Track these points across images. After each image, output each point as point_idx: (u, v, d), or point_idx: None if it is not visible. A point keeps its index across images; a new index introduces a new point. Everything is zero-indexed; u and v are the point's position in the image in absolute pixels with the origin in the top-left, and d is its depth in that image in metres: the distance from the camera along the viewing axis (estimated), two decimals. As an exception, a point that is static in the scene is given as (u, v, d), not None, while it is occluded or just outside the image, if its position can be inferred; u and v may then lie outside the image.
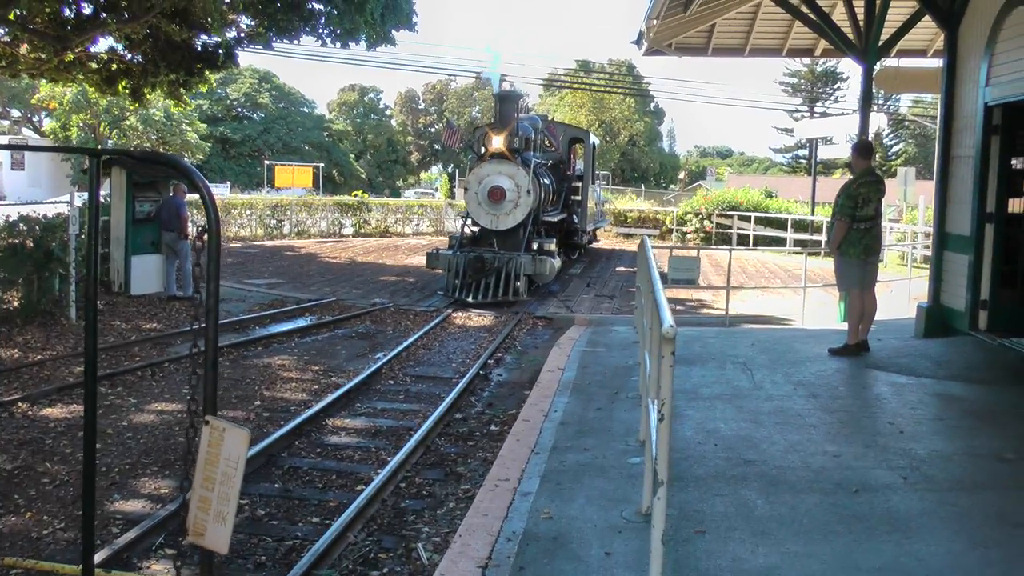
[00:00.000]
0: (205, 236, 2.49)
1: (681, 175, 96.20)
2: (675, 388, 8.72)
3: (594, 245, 33.21)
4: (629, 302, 18.51)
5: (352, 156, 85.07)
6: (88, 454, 1.85)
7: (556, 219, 22.12)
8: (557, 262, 19.52)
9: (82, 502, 1.88)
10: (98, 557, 5.64)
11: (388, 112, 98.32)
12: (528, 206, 19.26)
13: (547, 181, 22.05)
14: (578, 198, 25.15)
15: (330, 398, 10.03)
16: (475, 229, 20.33)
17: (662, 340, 4.06)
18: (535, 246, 19.46)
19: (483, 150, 19.98)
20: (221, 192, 54.03)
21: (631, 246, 34.10)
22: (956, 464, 6.70)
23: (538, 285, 19.73)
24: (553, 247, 19.85)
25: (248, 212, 34.20)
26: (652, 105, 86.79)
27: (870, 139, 15.11)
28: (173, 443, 8.38)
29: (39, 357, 11.60)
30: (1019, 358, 8.69)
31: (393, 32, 20.86)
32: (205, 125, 64.02)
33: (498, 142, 19.45)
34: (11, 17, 16.89)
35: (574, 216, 24.76)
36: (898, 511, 5.67)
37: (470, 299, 17.99)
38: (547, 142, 25.16)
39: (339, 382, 11.11)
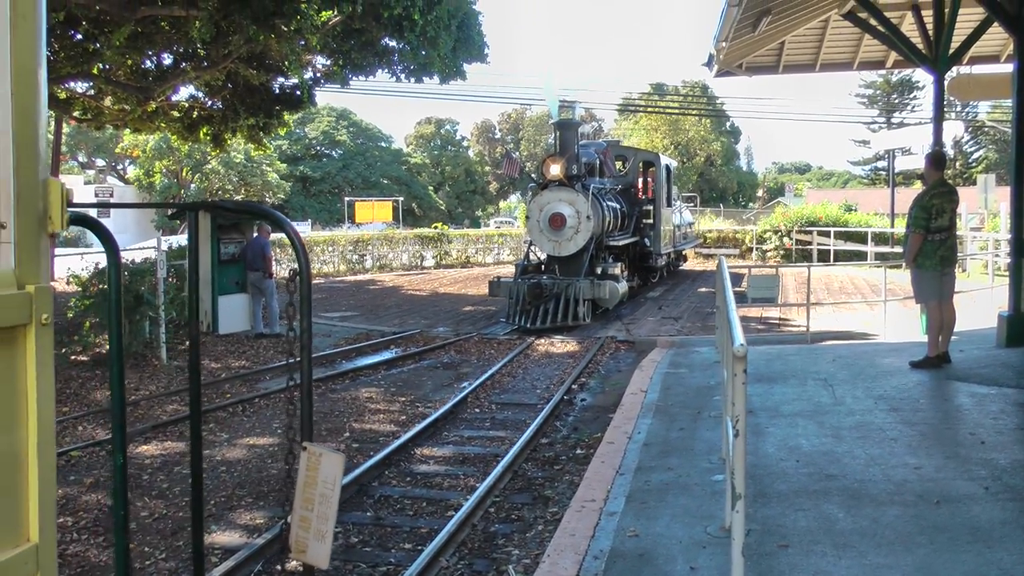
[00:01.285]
0: (297, 279, 2.72)
1: (760, 192, 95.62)
2: (757, 406, 8.86)
3: (684, 267, 33.24)
4: (699, 322, 18.57)
5: (431, 188, 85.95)
6: (196, 487, 2.06)
7: (624, 243, 22.20)
8: (622, 286, 19.64)
9: (191, 531, 2.09)
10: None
11: (465, 143, 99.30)
12: (589, 231, 19.45)
13: (614, 205, 22.21)
14: (650, 221, 25.18)
15: (417, 428, 10.24)
16: (541, 256, 20.55)
17: (734, 358, 4.21)
18: (598, 270, 19.61)
19: (543, 178, 20.22)
20: (303, 230, 54.94)
21: (732, 263, 34.02)
22: (1039, 472, 6.71)
23: (605, 309, 19.84)
24: (617, 271, 20.00)
25: (330, 248, 34.80)
26: (728, 124, 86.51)
27: (948, 147, 15.03)
28: (266, 475, 8.66)
29: (133, 397, 11.96)
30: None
31: (465, 65, 21.22)
32: (285, 165, 65.27)
33: (556, 170, 19.72)
34: (95, 71, 17.54)
35: (646, 239, 24.79)
36: (980, 521, 5.72)
37: (529, 325, 18.26)
38: (618, 167, 25.33)
39: (426, 412, 11.33)
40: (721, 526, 5.75)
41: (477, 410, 11.66)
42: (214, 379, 13.35)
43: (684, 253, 33.76)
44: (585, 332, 17.82)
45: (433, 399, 12.21)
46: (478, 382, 12.97)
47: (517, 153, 70.19)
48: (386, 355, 15.74)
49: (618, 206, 22.71)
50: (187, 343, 15.31)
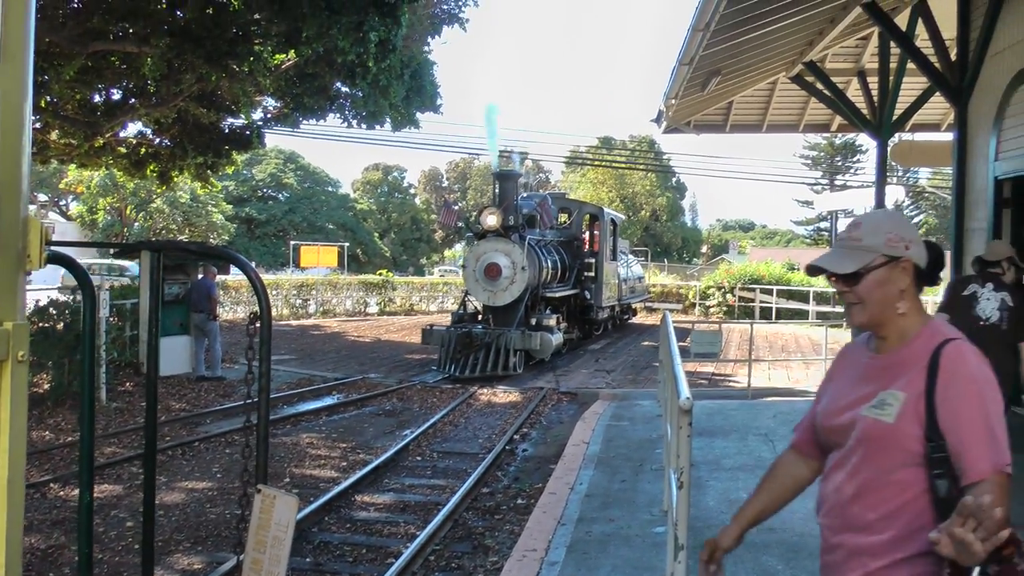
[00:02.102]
0: (258, 323, 2.73)
1: (704, 249, 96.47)
2: (698, 459, 8.92)
3: (634, 320, 33.39)
4: (631, 375, 18.71)
5: (376, 235, 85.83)
6: (147, 530, 2.03)
7: (562, 294, 22.36)
8: (556, 337, 19.78)
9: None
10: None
11: (412, 191, 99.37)
12: (524, 282, 19.59)
13: (554, 257, 22.42)
14: (591, 274, 25.36)
15: (358, 475, 10.19)
16: (478, 305, 20.77)
17: (679, 411, 4.27)
18: (533, 321, 19.77)
19: (480, 228, 20.39)
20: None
21: (675, 318, 34.27)
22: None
23: (541, 360, 19.96)
24: (553, 322, 20.13)
25: (274, 292, 34.57)
26: (674, 180, 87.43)
27: (888, 212, 15.33)
28: (204, 520, 8.57)
29: (70, 439, 11.78)
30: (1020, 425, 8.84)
31: (417, 113, 21.34)
32: (231, 206, 64.94)
33: (492, 220, 19.89)
34: (42, 104, 17.39)
35: (586, 292, 24.93)
36: (916, 576, 5.81)
37: (459, 373, 18.37)
38: (562, 219, 25.57)
39: (367, 459, 11.28)
40: (662, 578, 5.80)
41: (419, 458, 11.63)
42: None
43: (634, 307, 33.92)
44: (516, 382, 17.89)
45: (374, 446, 12.16)
46: (420, 430, 12.94)
47: (459, 205, 70.41)
48: (328, 401, 15.67)
49: (558, 258, 22.87)
50: (127, 384, 15.08)
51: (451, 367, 18.69)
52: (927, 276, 2.65)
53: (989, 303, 7.32)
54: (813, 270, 2.71)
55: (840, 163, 76.88)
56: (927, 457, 2.42)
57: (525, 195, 23.67)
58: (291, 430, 13.14)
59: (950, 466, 2.39)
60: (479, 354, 18.70)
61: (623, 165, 75.43)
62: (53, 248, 1.77)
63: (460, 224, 24.03)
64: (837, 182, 67.15)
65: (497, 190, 21.18)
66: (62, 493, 9.47)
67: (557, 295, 21.94)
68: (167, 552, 7.74)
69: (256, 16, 15.43)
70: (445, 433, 13.26)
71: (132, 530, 8.19)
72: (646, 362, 21.13)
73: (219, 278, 19.97)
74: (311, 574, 7.31)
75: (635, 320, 34.00)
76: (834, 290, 2.56)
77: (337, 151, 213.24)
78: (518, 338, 18.81)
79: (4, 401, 1.35)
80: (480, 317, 20.76)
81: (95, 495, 8.82)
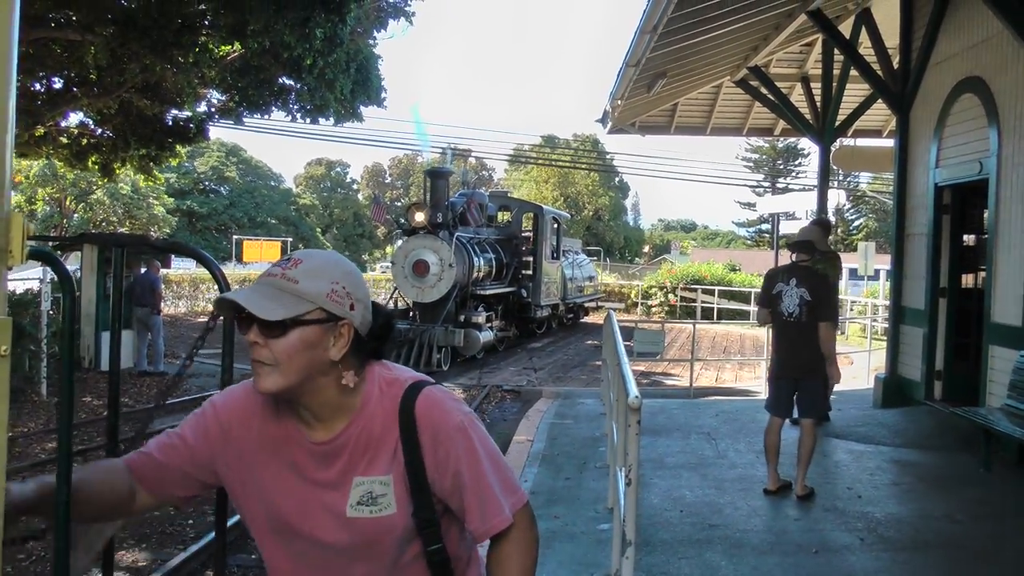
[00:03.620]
0: (221, 319, 2.72)
1: (646, 248, 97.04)
2: (642, 457, 8.98)
3: (586, 320, 33.44)
4: (558, 374, 18.84)
5: (319, 230, 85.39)
6: (61, 528, 2.02)
7: (494, 292, 22.50)
8: (484, 335, 20.00)
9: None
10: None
11: (355, 186, 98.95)
12: (452, 279, 19.78)
13: (489, 255, 22.56)
14: (529, 272, 25.49)
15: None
16: (409, 302, 20.84)
17: (628, 410, 4.34)
18: (461, 318, 19.85)
19: (408, 225, 20.49)
20: (188, 267, 54.07)
21: (618, 317, 34.30)
22: (910, 525, 7.01)
23: (473, 356, 20.11)
24: (481, 320, 20.32)
25: (216, 287, 34.28)
26: (617, 180, 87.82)
27: (831, 215, 15.59)
28: (149, 517, 8.50)
29: (10, 434, 11.57)
30: (971, 426, 9.04)
31: (362, 108, 21.26)
32: (172, 199, 64.14)
33: (420, 217, 20.07)
34: (-22, 91, 17.06)
35: (523, 290, 25.00)
36: (855, 570, 5.96)
37: None
38: (503, 218, 25.69)
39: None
40: (606, 574, 5.86)
41: (363, 453, 11.60)
42: (94, 417, 13.05)
43: (585, 306, 33.97)
44: (439, 378, 17.84)
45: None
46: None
47: (387, 202, 70.35)
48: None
49: (494, 256, 22.95)
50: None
51: None
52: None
53: (791, 299, 7.70)
54: (223, 304, 2.06)
55: (782, 166, 77.69)
56: (420, 530, 2.12)
57: (461, 192, 23.73)
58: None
59: (440, 528, 2.16)
60: (402, 350, 18.75)
61: (567, 164, 75.67)
62: (34, 244, 1.78)
63: (390, 220, 23.98)
64: (779, 185, 67.88)
65: (429, 187, 21.26)
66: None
67: (489, 292, 21.99)
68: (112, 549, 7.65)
69: (202, 7, 15.31)
70: (389, 429, 13.22)
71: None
72: (580, 361, 21.27)
73: (162, 272, 19.79)
74: (257, 570, 7.29)
75: (588, 320, 34.00)
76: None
77: (280, 145, 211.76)
78: (441, 335, 18.93)
79: (-14, 395, 1.36)
80: (410, 314, 20.81)
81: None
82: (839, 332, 19.25)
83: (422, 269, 19.74)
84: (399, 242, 21.98)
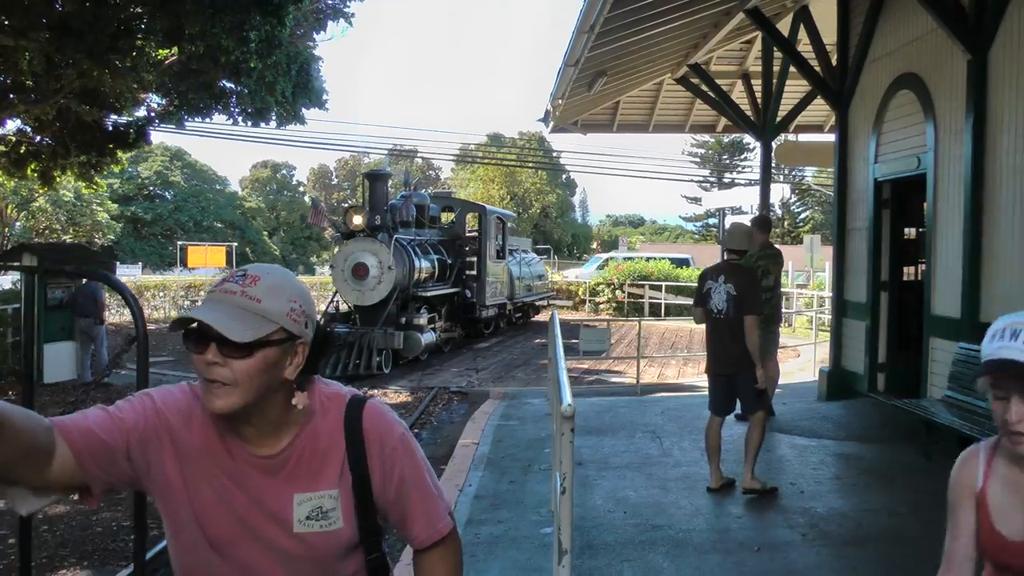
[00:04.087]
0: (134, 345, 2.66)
1: (594, 245, 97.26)
2: (587, 457, 9.03)
3: (538, 318, 33.28)
4: (501, 373, 18.84)
5: (265, 233, 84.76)
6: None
7: (436, 293, 22.43)
8: (426, 336, 19.94)
9: None
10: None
11: (301, 188, 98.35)
12: (392, 281, 19.69)
13: (432, 256, 22.54)
14: (473, 273, 25.45)
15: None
16: (350, 305, 20.81)
17: (562, 418, 4.31)
18: (403, 321, 19.83)
19: (346, 228, 20.43)
20: (132, 273, 53.41)
21: (565, 316, 34.18)
22: (851, 520, 7.07)
23: (410, 359, 20.00)
24: (423, 322, 20.26)
25: (161, 294, 34.02)
26: (563, 177, 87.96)
27: (776, 208, 15.70)
28: (91, 533, 8.37)
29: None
30: (913, 418, 9.14)
31: (304, 110, 21.13)
32: (116, 205, 63.42)
33: (358, 220, 19.96)
34: (-91, 98, 16.79)
35: (467, 291, 24.99)
36: (796, 566, 6.00)
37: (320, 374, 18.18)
38: (447, 218, 25.65)
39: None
40: (550, 579, 5.85)
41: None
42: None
43: (536, 304, 33.88)
44: (383, 381, 17.90)
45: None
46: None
47: (323, 203, 70.26)
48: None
49: (436, 257, 22.91)
50: (9, 393, 14.63)
51: None
52: (311, 364, 2.16)
53: (720, 296, 7.78)
54: (183, 321, 2.01)
55: (728, 160, 78.19)
56: (364, 540, 2.17)
57: (402, 194, 23.69)
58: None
59: (381, 537, 2.21)
60: (342, 354, 18.69)
61: (513, 164, 75.69)
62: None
63: (329, 224, 23.90)
64: (725, 179, 68.29)
65: (367, 190, 21.18)
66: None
67: (432, 294, 21.94)
68: (52, 568, 7.52)
69: (138, 10, 15.13)
70: (336, 435, 13.13)
71: (14, 548, 7.96)
72: (524, 360, 21.26)
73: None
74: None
75: (539, 318, 33.80)
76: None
77: (225, 148, 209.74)
78: (380, 337, 18.83)
79: None
80: (351, 317, 20.74)
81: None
82: (786, 325, 19.47)
83: (361, 272, 19.65)
84: (337, 247, 21.86)
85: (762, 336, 10.61)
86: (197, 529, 2.09)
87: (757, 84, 15.25)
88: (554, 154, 73.38)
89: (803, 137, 19.44)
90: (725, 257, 8.29)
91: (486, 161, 75.18)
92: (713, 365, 8.07)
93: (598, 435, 10.35)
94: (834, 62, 12.88)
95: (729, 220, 37.75)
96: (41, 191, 38.99)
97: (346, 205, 22.33)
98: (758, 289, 8.14)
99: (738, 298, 7.67)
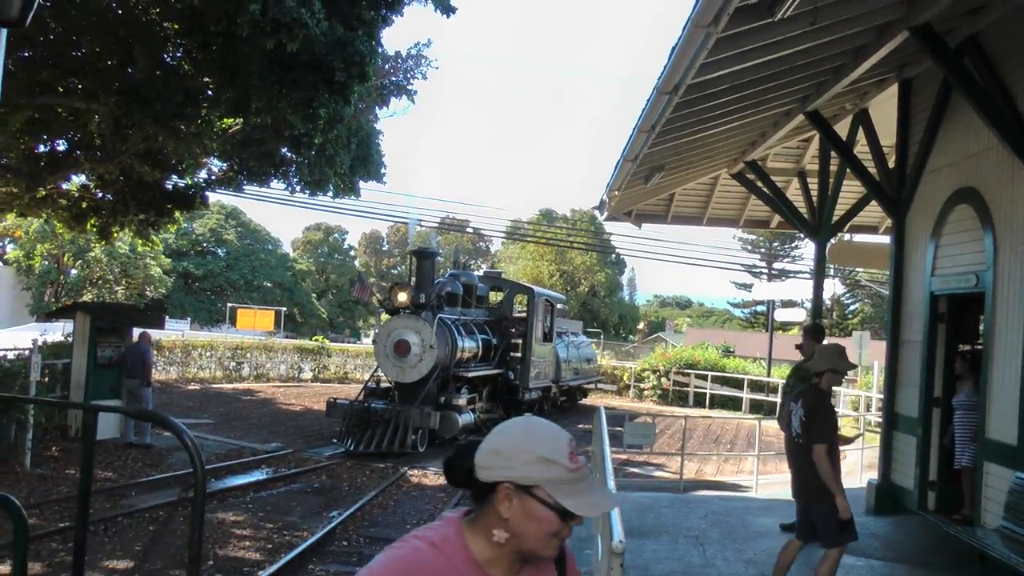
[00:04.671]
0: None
1: (640, 325, 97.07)
2: (628, 563, 8.83)
3: (585, 401, 33.05)
4: None
5: (314, 295, 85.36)
6: None
7: (478, 374, 22.35)
8: (464, 417, 19.81)
9: None
10: None
11: (352, 252, 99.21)
12: (433, 360, 19.69)
13: (476, 336, 22.61)
14: (518, 354, 25.37)
15: (283, 560, 10.00)
16: (391, 380, 20.80)
17: (611, 554, 4.23)
18: (442, 400, 19.78)
19: (391, 304, 20.52)
20: (181, 328, 53.89)
21: (610, 401, 33.92)
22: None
23: (447, 439, 19.85)
24: (462, 402, 20.17)
25: (208, 354, 34.22)
26: (613, 256, 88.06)
27: (827, 301, 15.55)
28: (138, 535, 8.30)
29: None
30: (965, 544, 8.87)
31: (360, 182, 21.35)
32: (169, 259, 64.22)
33: (403, 297, 20.08)
34: (-15, 152, 17.15)
35: (510, 372, 24.93)
36: None
37: (353, 449, 18.39)
38: (495, 298, 25.71)
39: (294, 541, 11.08)
40: None
41: (345, 543, 11.45)
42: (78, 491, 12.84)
43: (584, 388, 33.64)
44: (417, 461, 17.85)
45: (302, 527, 11.96)
46: (348, 512, 12.75)
47: (369, 280, 70.81)
48: (257, 475, 15.43)
49: (482, 337, 22.90)
50: (53, 449, 14.70)
51: (348, 442, 18.67)
52: None
53: (796, 418, 7.61)
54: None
55: (779, 248, 77.91)
56: None
57: (451, 272, 23.77)
58: (217, 507, 12.86)
59: None
60: (377, 430, 18.62)
61: (564, 243, 75.89)
62: None
63: (372, 299, 24.05)
64: (775, 267, 68.02)
65: (414, 267, 21.28)
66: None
67: (473, 374, 21.88)
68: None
69: (206, 80, 15.40)
70: (373, 517, 13.08)
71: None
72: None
73: (155, 338, 19.75)
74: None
75: (586, 401, 33.29)
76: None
77: (279, 210, 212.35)
78: (417, 416, 18.75)
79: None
80: (390, 393, 20.71)
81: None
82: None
83: (403, 349, 19.68)
84: (381, 322, 22.04)
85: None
86: None
87: (813, 183, 15.17)
88: (605, 235, 73.50)
89: (857, 237, 19.29)
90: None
91: (537, 240, 75.38)
92: (792, 487, 7.91)
93: (640, 538, 10.19)
94: (891, 163, 12.77)
95: (779, 313, 37.56)
96: (97, 243, 39.66)
97: (390, 284, 22.44)
98: (826, 414, 7.84)
99: (806, 424, 7.45)
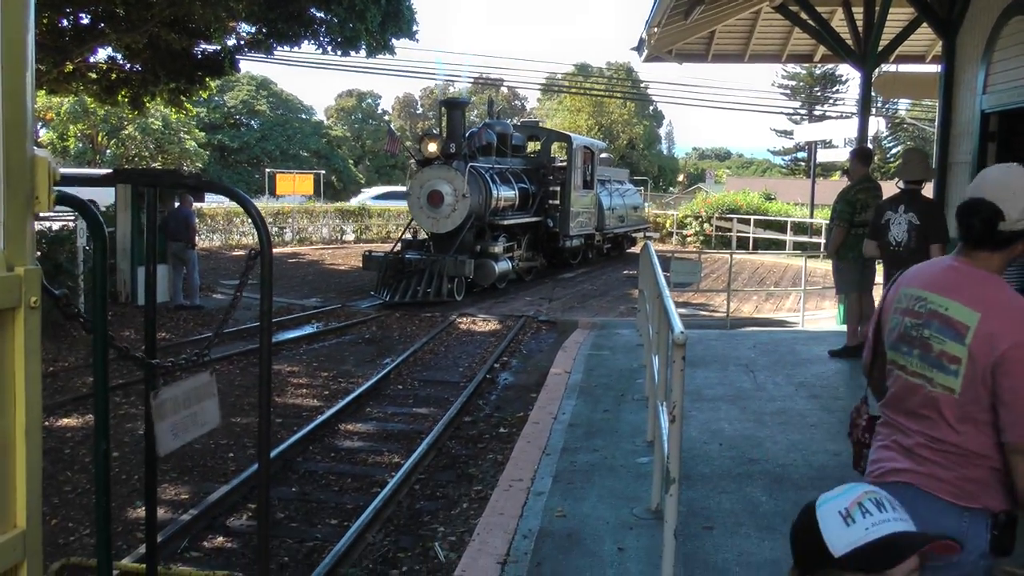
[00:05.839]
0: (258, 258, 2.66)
1: (680, 177, 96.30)
2: (680, 390, 8.94)
3: (633, 250, 32.92)
4: (576, 303, 18.77)
5: (351, 162, 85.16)
6: (150, 474, 1.97)
7: (515, 222, 22.34)
8: (500, 265, 20.00)
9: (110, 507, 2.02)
10: (125, 561, 5.81)
11: (387, 117, 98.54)
12: (467, 209, 19.68)
13: (513, 185, 22.54)
14: (556, 202, 25.34)
15: (341, 404, 10.19)
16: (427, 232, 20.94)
17: (673, 345, 4.25)
18: (478, 248, 19.88)
19: (422, 156, 20.50)
20: (221, 201, 54.05)
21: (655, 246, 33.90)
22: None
23: (485, 287, 20.10)
24: (498, 250, 20.28)
25: (249, 221, 34.34)
26: (651, 108, 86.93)
27: (869, 143, 15.33)
28: (189, 450, 8.53)
29: (51, 369, 11.71)
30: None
31: (393, 40, 21.08)
32: (203, 133, 64.04)
33: (433, 148, 19.95)
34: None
35: (550, 220, 24.93)
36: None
37: (389, 299, 18.54)
38: (532, 147, 25.54)
39: (349, 387, 11.27)
40: (647, 508, 5.83)
41: (400, 387, 11.64)
42: (132, 350, 13.07)
43: (632, 236, 33.69)
44: (452, 308, 17.99)
45: (356, 375, 12.14)
46: (400, 359, 12.93)
47: (398, 131, 70.51)
48: (308, 329, 15.62)
49: (519, 185, 22.86)
50: (109, 314, 14.95)
51: (385, 292, 18.86)
52: None
53: (900, 227, 7.48)
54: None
55: (819, 93, 76.52)
56: None
57: (486, 123, 23.55)
58: (272, 359, 13.04)
59: None
60: (412, 280, 18.78)
61: (600, 93, 74.94)
62: (62, 188, 1.72)
63: (402, 150, 24.09)
64: (816, 112, 66.92)
65: (444, 118, 21.14)
66: (47, 423, 9.40)
67: (510, 222, 21.86)
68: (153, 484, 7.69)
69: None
70: (426, 361, 13.27)
71: (117, 460, 8.17)
72: (601, 291, 21.19)
73: (195, 206, 19.82)
74: (297, 503, 7.33)
75: (634, 250, 32.74)
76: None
77: (310, 77, 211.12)
78: (451, 264, 18.84)
79: (18, 349, 1.32)
80: (426, 244, 20.83)
81: (81, 424, 8.77)
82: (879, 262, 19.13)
83: (436, 200, 19.66)
84: (413, 174, 21.91)
85: (859, 270, 10.43)
86: None
87: (859, 11, 14.75)
88: (642, 84, 72.48)
89: (903, 67, 18.83)
90: (902, 187, 8.03)
91: (572, 91, 74.46)
92: None
93: (691, 367, 10.21)
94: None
95: (821, 154, 37.08)
96: (130, 117, 39.61)
97: (419, 134, 22.33)
98: (942, 216, 7.76)
99: (921, 227, 7.39)
